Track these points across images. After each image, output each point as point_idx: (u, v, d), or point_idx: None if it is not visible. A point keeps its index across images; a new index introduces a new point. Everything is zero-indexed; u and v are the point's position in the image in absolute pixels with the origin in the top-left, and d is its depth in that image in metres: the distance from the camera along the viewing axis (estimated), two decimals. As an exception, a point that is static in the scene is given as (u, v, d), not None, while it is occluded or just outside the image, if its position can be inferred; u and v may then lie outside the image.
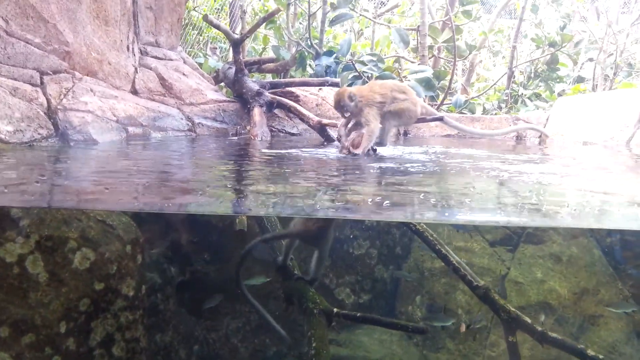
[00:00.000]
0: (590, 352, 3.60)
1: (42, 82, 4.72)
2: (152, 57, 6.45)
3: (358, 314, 3.85)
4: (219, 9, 10.91)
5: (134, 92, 5.81)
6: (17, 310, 2.91)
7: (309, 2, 8.02)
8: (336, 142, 5.23)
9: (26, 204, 2.86)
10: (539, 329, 3.80)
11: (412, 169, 3.81)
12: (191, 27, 10.02)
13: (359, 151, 4.15)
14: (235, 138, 5.80)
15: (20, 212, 3.07)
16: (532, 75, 8.89)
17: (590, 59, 9.10)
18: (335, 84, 6.71)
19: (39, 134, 4.33)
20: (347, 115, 4.35)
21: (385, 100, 4.21)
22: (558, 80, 8.64)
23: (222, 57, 10.03)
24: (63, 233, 3.21)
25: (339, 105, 4.29)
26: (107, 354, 3.20)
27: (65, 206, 3.09)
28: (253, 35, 8.67)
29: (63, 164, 3.68)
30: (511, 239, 5.12)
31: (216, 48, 10.28)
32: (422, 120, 5.04)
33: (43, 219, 3.18)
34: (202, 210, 3.33)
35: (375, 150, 4.39)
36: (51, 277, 3.08)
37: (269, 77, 8.44)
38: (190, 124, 5.79)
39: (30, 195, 2.54)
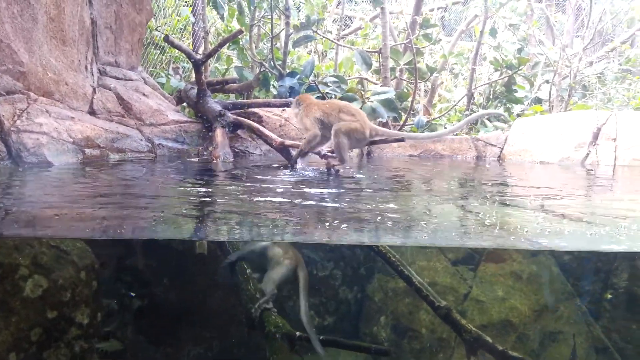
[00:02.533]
0: (551, 370, 3.64)
1: (-6, 103, 4.58)
2: (112, 77, 6.35)
3: (320, 337, 3.81)
4: (182, 29, 10.85)
5: (92, 112, 5.68)
6: (-38, 343, 2.77)
7: (272, 24, 8.06)
8: (299, 164, 5.27)
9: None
10: (500, 348, 3.83)
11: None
12: (153, 47, 9.91)
13: (294, 153, 4.88)
14: (196, 159, 5.72)
15: (-33, 239, 2.94)
16: (491, 96, 9.12)
17: (547, 81, 9.40)
18: (299, 105, 6.72)
19: (-10, 156, 4.19)
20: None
21: (324, 119, 4.58)
22: (516, 101, 8.88)
23: (185, 76, 9.94)
24: (14, 260, 3.09)
25: (292, 105, 5.03)
26: (59, 386, 3.07)
27: (12, 234, 2.98)
28: (216, 55, 8.64)
29: (12, 189, 3.55)
30: (473, 257, 5.18)
31: (179, 67, 10.18)
32: (384, 141, 5.14)
33: (-8, 246, 3.05)
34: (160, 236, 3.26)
35: (337, 171, 4.53)
36: (0, 306, 2.95)
37: (232, 98, 8.41)
38: (150, 145, 5.70)
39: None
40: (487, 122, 8.37)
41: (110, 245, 4.07)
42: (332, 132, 4.50)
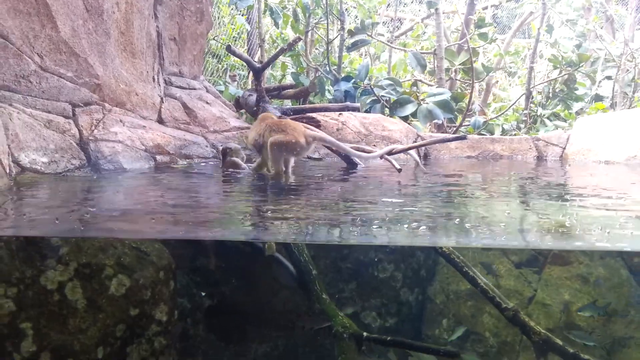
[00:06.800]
0: (624, 374, 3.56)
1: (74, 114, 4.89)
2: (177, 86, 6.63)
3: (388, 338, 3.87)
4: (236, 37, 11.15)
5: (161, 121, 5.96)
6: (58, 337, 3.00)
7: (327, 29, 8.19)
8: (360, 166, 5.32)
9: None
10: (571, 350, 3.77)
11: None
12: (211, 56, 10.24)
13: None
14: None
15: (60, 241, 3.17)
16: (551, 95, 8.92)
17: (608, 77, 9.11)
18: (355, 109, 6.81)
19: (72, 164, 4.48)
20: None
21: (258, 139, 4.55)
22: (577, 99, 8.65)
23: (241, 84, 10.23)
24: (100, 260, 3.30)
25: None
26: (144, 380, 3.26)
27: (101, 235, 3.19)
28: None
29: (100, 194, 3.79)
30: (537, 259, 5.10)
31: (235, 75, 10.48)
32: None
33: (81, 247, 3.28)
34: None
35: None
36: (89, 304, 3.16)
37: (287, 103, 8.58)
38: (215, 151, 5.91)
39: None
40: (547, 120, 8.20)
41: (183, 247, 4.27)
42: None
